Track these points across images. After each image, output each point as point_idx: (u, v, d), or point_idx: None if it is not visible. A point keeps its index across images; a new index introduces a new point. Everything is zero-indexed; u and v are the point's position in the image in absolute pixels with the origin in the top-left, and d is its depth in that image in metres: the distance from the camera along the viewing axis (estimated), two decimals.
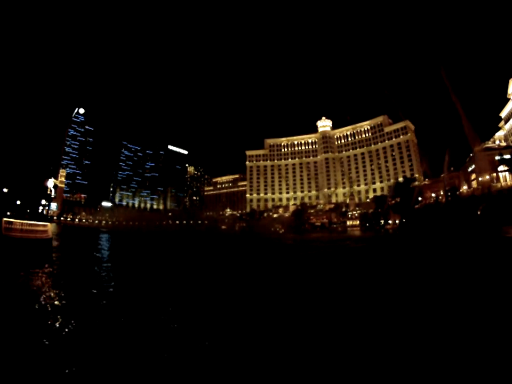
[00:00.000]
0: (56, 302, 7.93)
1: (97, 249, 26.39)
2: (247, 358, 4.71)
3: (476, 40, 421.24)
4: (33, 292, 8.99)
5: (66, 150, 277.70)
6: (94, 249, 27.07)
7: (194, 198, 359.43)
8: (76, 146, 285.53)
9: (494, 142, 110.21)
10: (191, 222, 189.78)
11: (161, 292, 9.06)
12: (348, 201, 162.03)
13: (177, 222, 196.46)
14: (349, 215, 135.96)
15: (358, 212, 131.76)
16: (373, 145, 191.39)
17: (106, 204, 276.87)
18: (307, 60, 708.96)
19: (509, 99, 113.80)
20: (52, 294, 8.83)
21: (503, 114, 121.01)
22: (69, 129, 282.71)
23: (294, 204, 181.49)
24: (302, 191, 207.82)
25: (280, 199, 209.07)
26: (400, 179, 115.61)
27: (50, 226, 24.00)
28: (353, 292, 9.38)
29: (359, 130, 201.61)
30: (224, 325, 6.49)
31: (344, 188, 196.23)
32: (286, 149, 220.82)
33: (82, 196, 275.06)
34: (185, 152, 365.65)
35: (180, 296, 9.25)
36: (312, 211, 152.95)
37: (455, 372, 4.11)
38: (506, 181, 77.82)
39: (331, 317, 6.92)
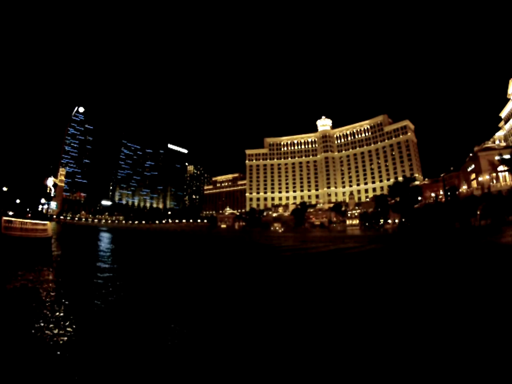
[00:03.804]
0: (54, 302, 7.95)
1: (96, 248, 26.39)
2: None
3: (477, 40, 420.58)
4: (32, 292, 9.00)
5: (66, 148, 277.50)
6: (94, 248, 27.07)
7: (194, 197, 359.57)
8: (76, 145, 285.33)
9: (494, 142, 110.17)
10: (191, 220, 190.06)
11: (159, 302, 9.04)
12: (347, 200, 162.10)
13: (178, 220, 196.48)
14: (349, 215, 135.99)
15: (357, 211, 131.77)
16: (372, 145, 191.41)
17: (106, 202, 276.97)
18: (307, 59, 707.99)
19: (509, 99, 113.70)
20: (50, 294, 8.84)
21: (503, 114, 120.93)
22: (69, 128, 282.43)
23: (293, 203, 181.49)
24: (301, 190, 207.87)
25: (280, 198, 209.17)
26: (400, 178, 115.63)
27: (50, 225, 23.97)
28: (351, 290, 9.39)
29: (358, 130, 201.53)
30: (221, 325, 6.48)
31: (343, 187, 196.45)
32: (285, 148, 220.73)
33: (82, 194, 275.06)
34: (185, 151, 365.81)
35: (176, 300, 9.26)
36: (311, 210, 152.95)
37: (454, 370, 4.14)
38: (506, 181, 77.83)
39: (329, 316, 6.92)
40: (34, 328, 5.95)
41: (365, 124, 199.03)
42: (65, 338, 5.48)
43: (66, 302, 7.94)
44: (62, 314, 6.90)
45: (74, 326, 6.15)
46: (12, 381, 4.08)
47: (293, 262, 17.83)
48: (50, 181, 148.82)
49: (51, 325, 6.13)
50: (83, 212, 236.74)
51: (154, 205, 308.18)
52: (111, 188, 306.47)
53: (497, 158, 79.89)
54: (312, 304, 7.97)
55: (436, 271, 13.15)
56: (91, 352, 5.00)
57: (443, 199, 80.00)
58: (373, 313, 6.99)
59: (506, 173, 77.52)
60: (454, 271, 12.58)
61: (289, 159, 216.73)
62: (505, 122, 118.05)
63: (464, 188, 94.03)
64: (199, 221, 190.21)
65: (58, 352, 4.85)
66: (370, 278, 11.63)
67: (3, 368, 4.30)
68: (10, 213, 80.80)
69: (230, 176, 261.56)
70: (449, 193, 76.81)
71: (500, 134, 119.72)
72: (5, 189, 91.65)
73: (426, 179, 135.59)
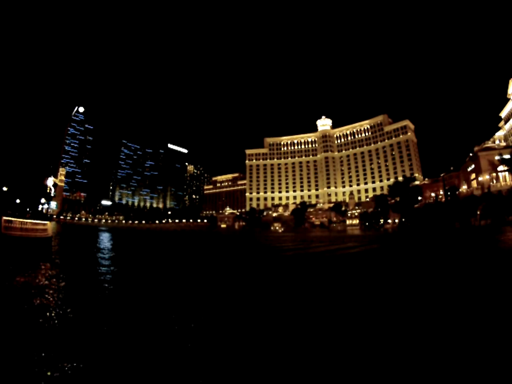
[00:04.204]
0: (54, 303, 7.95)
1: (97, 248, 26.38)
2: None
3: (477, 40, 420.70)
4: (31, 292, 9.00)
5: (66, 148, 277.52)
6: (95, 247, 27.07)
7: (194, 196, 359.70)
8: (76, 145, 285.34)
9: (494, 142, 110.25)
10: (191, 220, 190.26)
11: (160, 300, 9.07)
12: (347, 200, 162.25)
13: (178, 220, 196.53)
14: (349, 214, 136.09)
15: (357, 211, 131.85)
16: (372, 145, 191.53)
17: (106, 202, 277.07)
18: (307, 59, 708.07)
19: (509, 99, 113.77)
20: (50, 294, 8.84)
21: (503, 114, 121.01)
22: (69, 128, 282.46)
23: (293, 203, 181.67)
24: (301, 190, 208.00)
25: (280, 198, 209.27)
26: (400, 178, 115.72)
27: (50, 225, 23.97)
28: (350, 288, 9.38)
29: (358, 130, 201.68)
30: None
31: (343, 187, 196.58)
32: (285, 148, 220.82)
33: (82, 194, 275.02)
34: (185, 150, 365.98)
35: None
36: (311, 210, 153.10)
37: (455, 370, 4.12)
38: (506, 181, 77.87)
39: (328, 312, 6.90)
40: (35, 327, 5.95)
41: (365, 124, 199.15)
42: (66, 337, 5.48)
43: (67, 301, 7.95)
44: (62, 313, 6.90)
45: (75, 326, 6.16)
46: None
47: (293, 261, 17.84)
48: (50, 181, 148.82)
49: (51, 325, 6.13)
50: (83, 212, 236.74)
51: (154, 205, 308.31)
52: (111, 187, 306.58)
53: (497, 158, 79.97)
54: (312, 301, 7.97)
55: (437, 271, 13.15)
56: (92, 351, 5.00)
57: (443, 199, 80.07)
58: (373, 311, 6.98)
59: (506, 173, 77.59)
60: (457, 273, 12.58)
61: (289, 159, 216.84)
62: (505, 122, 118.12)
63: (464, 187, 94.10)
64: (199, 220, 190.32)
65: (59, 352, 4.85)
66: (371, 277, 11.63)
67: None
68: (10, 213, 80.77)
69: (230, 176, 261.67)
70: (449, 193, 76.91)
71: (499, 134, 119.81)
72: (5, 189, 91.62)
73: (426, 179, 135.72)
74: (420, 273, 11.79)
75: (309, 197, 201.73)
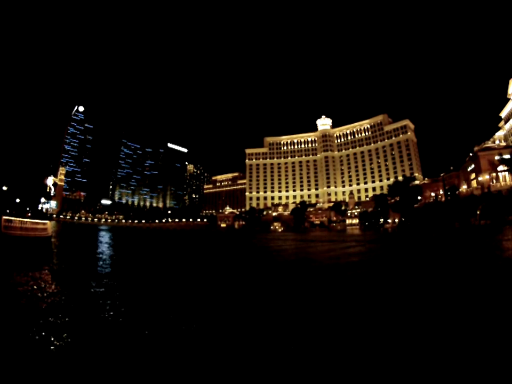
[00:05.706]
0: (54, 303, 7.95)
1: (97, 247, 26.39)
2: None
3: (477, 40, 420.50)
4: (31, 292, 9.00)
5: (66, 148, 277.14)
6: (95, 247, 27.07)
7: (194, 196, 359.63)
8: (76, 144, 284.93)
9: (494, 142, 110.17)
10: (191, 219, 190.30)
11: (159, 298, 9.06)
12: (347, 199, 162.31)
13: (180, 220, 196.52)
14: (349, 214, 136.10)
15: (357, 210, 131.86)
16: (372, 144, 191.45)
17: (105, 201, 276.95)
18: (307, 58, 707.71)
19: (509, 99, 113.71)
20: (51, 294, 8.84)
21: (503, 114, 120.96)
22: (69, 127, 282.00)
23: (293, 202, 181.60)
24: (301, 190, 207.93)
25: (280, 198, 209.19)
26: (400, 178, 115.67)
27: (49, 224, 23.98)
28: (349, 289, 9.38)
29: (358, 129, 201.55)
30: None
31: (343, 186, 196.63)
32: (285, 147, 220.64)
33: (82, 193, 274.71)
34: (185, 150, 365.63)
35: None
36: (311, 209, 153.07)
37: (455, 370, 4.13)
38: (506, 180, 77.87)
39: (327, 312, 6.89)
40: (34, 326, 5.97)
41: (365, 123, 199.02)
42: (64, 337, 5.49)
43: (67, 300, 7.96)
44: (62, 312, 6.91)
45: (74, 326, 6.17)
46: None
47: (292, 260, 17.86)
48: (50, 180, 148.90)
49: (50, 326, 6.14)
50: (83, 211, 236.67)
51: (154, 204, 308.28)
52: (111, 187, 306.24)
53: (497, 157, 79.98)
54: (311, 302, 7.97)
55: (433, 270, 13.15)
56: (91, 351, 5.01)
57: (443, 199, 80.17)
58: (371, 310, 6.99)
59: (506, 173, 77.61)
60: (458, 274, 12.58)
61: (289, 158, 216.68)
62: (505, 122, 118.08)
63: (464, 187, 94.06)
64: (199, 220, 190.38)
65: (58, 350, 4.86)
66: (370, 276, 11.64)
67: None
68: (9, 212, 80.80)
69: (229, 176, 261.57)
70: (449, 193, 76.97)
71: (499, 134, 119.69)
72: (5, 188, 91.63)
73: (426, 179, 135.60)
74: (416, 272, 11.83)
75: (309, 196, 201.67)
